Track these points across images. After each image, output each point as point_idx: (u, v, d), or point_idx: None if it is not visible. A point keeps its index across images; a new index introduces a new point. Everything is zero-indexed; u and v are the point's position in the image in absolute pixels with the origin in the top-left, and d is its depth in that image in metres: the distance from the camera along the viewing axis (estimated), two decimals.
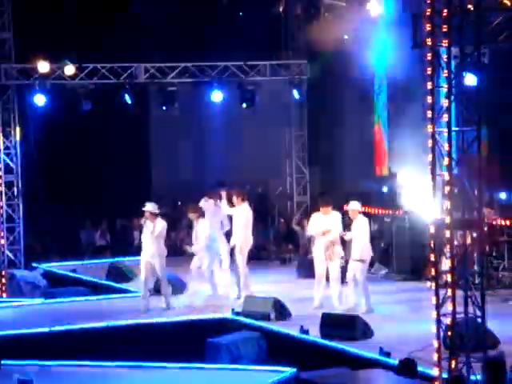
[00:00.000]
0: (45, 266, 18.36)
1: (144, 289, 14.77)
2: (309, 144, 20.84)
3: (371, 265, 17.28)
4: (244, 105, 19.33)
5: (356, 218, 14.12)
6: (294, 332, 12.92)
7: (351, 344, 12.14)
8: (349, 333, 12.49)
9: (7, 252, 18.44)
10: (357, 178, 19.69)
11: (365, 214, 17.58)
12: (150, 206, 14.74)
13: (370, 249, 14.21)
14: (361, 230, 14.04)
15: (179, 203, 21.01)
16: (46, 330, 13.54)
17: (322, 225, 14.27)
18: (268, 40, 19.84)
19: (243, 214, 15.05)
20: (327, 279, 14.40)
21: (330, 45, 19.02)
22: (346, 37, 18.82)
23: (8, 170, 18.56)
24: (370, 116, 19.58)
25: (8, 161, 18.56)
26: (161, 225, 14.75)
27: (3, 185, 18.44)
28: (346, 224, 14.45)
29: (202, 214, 15.42)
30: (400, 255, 16.94)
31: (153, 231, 14.60)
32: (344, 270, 14.27)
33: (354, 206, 14.19)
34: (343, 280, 14.27)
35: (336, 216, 14.39)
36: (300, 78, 19.80)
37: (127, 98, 18.94)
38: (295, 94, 19.77)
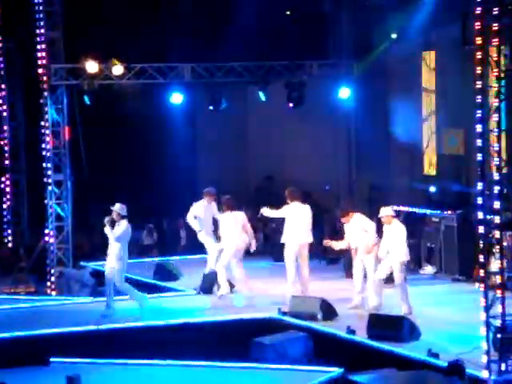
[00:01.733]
0: (93, 264, 18.50)
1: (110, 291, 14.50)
2: (356, 143, 20.73)
3: (419, 265, 17.27)
4: (291, 104, 19.27)
5: (391, 223, 14.01)
6: (340, 332, 12.88)
7: (399, 345, 12.06)
8: (396, 334, 12.41)
9: (56, 250, 18.63)
10: (404, 177, 19.53)
11: (412, 214, 17.55)
12: (117, 207, 14.41)
13: (408, 251, 14.12)
14: (399, 234, 13.95)
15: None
16: (93, 327, 13.65)
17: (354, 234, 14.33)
18: (315, 39, 19.77)
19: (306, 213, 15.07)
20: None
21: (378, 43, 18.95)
22: (393, 35, 18.70)
23: (57, 169, 18.74)
24: (419, 114, 19.42)
25: (57, 160, 18.74)
26: (122, 227, 14.34)
27: (52, 184, 18.63)
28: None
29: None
30: (448, 256, 16.79)
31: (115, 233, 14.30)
32: None
33: (386, 212, 14.08)
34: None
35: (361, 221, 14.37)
36: (348, 77, 19.69)
37: (174, 97, 19.02)
38: (342, 92, 19.67)
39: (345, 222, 14.51)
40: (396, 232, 13.98)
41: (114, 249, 14.39)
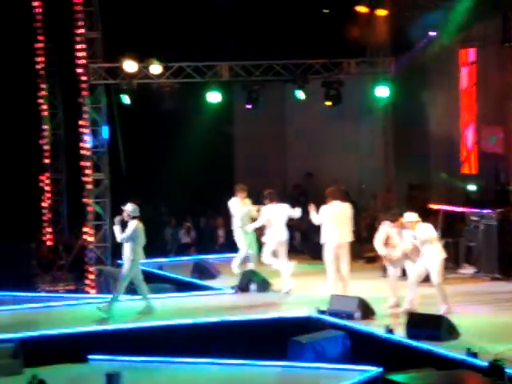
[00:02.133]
0: None
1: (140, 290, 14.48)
2: (393, 141, 20.62)
3: (458, 264, 17.13)
4: (328, 102, 19.21)
5: (415, 228, 13.75)
6: (378, 331, 12.82)
7: (437, 344, 11.97)
8: (434, 333, 12.32)
9: (95, 249, 18.75)
10: (443, 176, 19.41)
11: (451, 212, 17.40)
12: (129, 207, 14.24)
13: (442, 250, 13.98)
14: (430, 235, 13.78)
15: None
16: (131, 326, 13.69)
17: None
18: (353, 36, 19.69)
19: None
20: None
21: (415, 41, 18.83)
22: (432, 33, 18.57)
23: (96, 168, 18.87)
24: (458, 112, 19.27)
25: (96, 159, 18.87)
26: (131, 227, 14.17)
27: (91, 183, 18.77)
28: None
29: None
30: (488, 254, 16.63)
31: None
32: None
33: (410, 218, 13.80)
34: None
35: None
36: (385, 75, 19.60)
37: (212, 96, 19.05)
38: (380, 91, 19.58)
39: (395, 226, 14.32)
40: (426, 234, 13.77)
41: (125, 249, 14.41)
